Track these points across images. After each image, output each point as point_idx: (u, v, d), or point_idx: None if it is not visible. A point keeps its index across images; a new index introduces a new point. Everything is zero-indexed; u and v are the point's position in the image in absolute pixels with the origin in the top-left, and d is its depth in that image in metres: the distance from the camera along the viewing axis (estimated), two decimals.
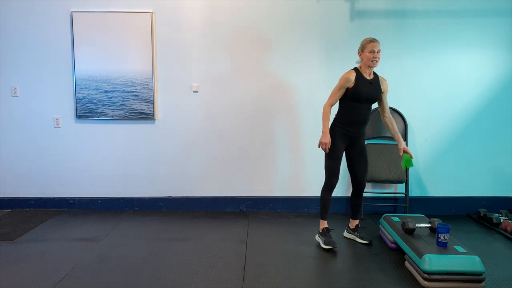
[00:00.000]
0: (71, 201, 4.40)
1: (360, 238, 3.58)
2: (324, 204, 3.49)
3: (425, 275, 2.76)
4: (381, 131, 4.25)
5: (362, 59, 3.33)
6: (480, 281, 2.77)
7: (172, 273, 2.98)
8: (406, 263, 3.07)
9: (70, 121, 4.31)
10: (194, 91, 4.27)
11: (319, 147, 3.41)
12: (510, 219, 3.93)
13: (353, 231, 3.64)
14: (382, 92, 3.43)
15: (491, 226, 3.93)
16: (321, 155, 4.33)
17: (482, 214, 4.11)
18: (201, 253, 3.33)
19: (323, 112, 3.40)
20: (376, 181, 4.20)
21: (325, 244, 3.40)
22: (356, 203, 3.64)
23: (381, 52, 3.31)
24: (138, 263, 3.13)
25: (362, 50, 3.33)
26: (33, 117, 4.31)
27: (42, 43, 4.21)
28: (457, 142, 4.31)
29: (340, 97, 3.37)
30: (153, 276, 2.94)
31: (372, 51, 3.26)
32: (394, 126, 3.52)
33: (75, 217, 4.16)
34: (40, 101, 4.29)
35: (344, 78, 3.32)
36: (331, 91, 3.37)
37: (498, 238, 3.72)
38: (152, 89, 4.23)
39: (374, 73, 3.42)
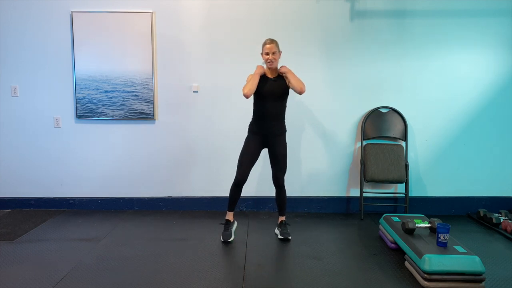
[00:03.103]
0: (71, 201, 4.40)
1: (281, 234, 3.63)
2: (229, 197, 3.65)
3: (425, 275, 2.76)
4: (381, 131, 4.25)
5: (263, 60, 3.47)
6: (480, 281, 2.77)
7: (172, 273, 2.98)
8: (406, 263, 3.07)
9: (70, 121, 4.31)
10: (194, 91, 4.27)
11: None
12: (510, 219, 3.93)
13: (278, 226, 3.74)
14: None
15: (491, 226, 3.93)
16: (320, 155, 4.35)
17: (482, 214, 4.11)
18: (201, 253, 3.33)
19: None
20: (376, 181, 4.20)
21: (221, 236, 3.60)
22: (277, 199, 3.73)
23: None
24: (138, 263, 3.13)
25: (262, 51, 3.46)
26: (33, 117, 4.31)
27: (42, 43, 4.21)
28: (457, 142, 4.31)
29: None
30: (153, 276, 2.94)
31: (267, 53, 3.40)
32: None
33: (75, 217, 4.15)
34: (40, 101, 4.29)
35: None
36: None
37: (498, 238, 3.72)
38: (152, 89, 4.23)
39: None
